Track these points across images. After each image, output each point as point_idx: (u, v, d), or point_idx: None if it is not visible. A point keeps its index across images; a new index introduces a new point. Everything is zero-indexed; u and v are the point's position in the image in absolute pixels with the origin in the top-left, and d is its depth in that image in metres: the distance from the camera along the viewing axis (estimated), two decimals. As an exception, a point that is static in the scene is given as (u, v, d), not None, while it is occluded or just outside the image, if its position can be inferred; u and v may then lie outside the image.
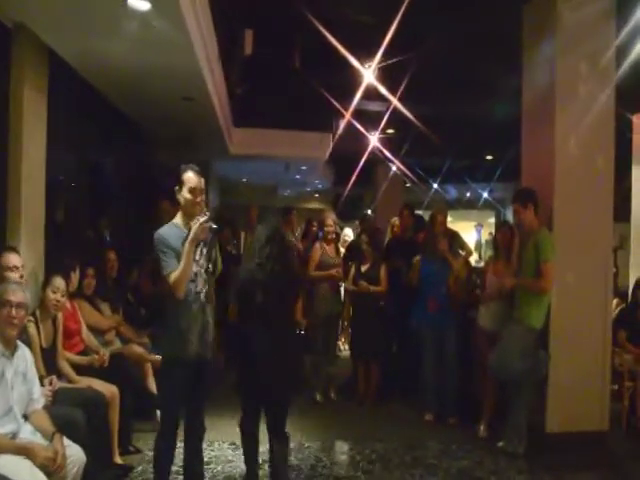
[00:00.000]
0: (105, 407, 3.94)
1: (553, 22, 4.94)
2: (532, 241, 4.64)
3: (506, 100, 6.72)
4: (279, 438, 3.67)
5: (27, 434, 3.01)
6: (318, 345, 6.11)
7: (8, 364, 3.01)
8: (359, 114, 9.39)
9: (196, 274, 3.38)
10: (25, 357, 3.16)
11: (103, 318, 4.99)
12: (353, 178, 12.54)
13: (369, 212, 10.60)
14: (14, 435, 2.96)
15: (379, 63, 6.81)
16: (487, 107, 8.94)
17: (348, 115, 9.22)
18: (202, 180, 3.44)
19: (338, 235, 6.83)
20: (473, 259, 8.92)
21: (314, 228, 7.76)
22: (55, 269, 4.17)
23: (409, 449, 4.79)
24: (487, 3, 5.41)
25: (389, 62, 6.68)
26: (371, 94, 8.04)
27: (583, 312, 4.91)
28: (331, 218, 6.44)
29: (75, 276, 4.50)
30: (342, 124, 9.92)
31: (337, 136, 10.37)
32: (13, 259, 3.76)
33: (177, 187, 3.40)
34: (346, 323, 7.71)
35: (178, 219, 3.45)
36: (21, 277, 3.76)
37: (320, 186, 17.12)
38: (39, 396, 3.20)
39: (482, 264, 9.29)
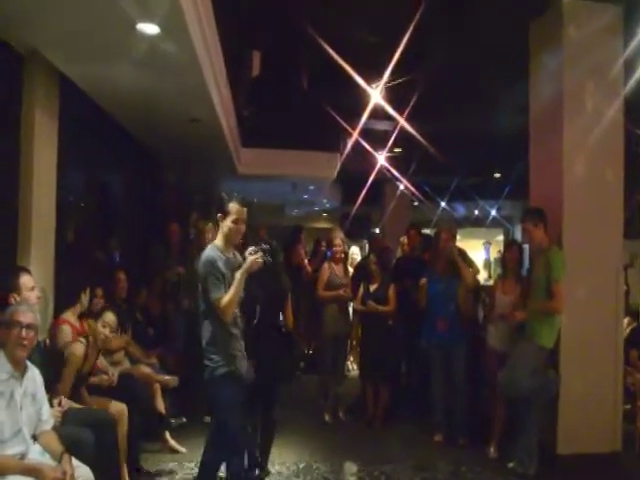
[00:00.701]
0: (114, 427, 3.93)
1: (560, 38, 4.93)
2: (542, 259, 4.61)
3: (513, 116, 6.73)
4: (268, 421, 4.39)
5: (36, 454, 3.00)
6: (327, 365, 6.09)
7: (17, 385, 3.01)
8: (366, 133, 9.43)
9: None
10: (34, 378, 3.15)
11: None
12: (361, 197, 12.58)
13: (377, 231, 10.57)
14: (23, 456, 2.95)
15: (386, 82, 6.85)
16: (495, 125, 8.96)
17: (355, 134, 9.27)
18: (245, 210, 3.55)
19: (346, 254, 6.83)
20: (482, 277, 8.88)
21: (323, 248, 7.76)
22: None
23: (418, 470, 4.74)
24: (493, 20, 5.45)
25: (396, 82, 6.72)
26: (378, 113, 8.09)
27: (594, 331, 4.87)
28: (339, 237, 6.45)
29: (85, 297, 4.52)
30: (349, 143, 9.95)
31: (344, 155, 10.39)
32: (29, 280, 3.79)
33: (220, 215, 3.54)
34: (355, 343, 7.68)
35: (219, 242, 3.56)
36: (38, 298, 3.79)
37: (328, 205, 17.14)
38: (48, 417, 3.19)
39: (491, 282, 9.24)
